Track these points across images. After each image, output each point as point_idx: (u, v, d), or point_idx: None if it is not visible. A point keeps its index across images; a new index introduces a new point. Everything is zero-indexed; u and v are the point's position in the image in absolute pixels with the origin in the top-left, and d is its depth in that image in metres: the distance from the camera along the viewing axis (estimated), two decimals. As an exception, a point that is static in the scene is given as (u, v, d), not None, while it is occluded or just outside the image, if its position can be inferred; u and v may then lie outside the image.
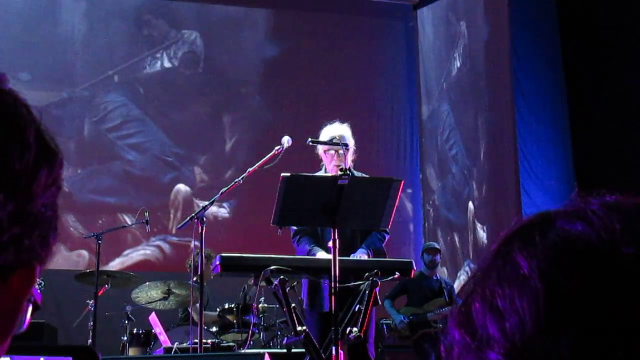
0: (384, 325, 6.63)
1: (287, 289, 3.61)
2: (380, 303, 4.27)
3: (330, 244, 3.62)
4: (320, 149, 4.33)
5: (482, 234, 8.03)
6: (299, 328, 3.61)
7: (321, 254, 4.05)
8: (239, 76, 9.05)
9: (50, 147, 0.60)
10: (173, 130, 8.70)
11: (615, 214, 0.60)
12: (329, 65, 9.17)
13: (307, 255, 4.11)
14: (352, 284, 3.69)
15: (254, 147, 8.26)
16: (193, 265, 5.10)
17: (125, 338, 5.80)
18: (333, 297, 3.49)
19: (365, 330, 3.75)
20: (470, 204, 8.31)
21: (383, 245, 4.30)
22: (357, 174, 4.15)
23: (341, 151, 4.06)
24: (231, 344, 5.36)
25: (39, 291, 0.64)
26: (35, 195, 0.57)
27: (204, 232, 4.33)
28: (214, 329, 5.72)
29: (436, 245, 7.14)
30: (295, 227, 4.24)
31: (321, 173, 4.31)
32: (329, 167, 4.26)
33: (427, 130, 9.33)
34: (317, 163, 4.46)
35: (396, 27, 9.68)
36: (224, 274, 3.68)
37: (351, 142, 4.25)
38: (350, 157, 4.09)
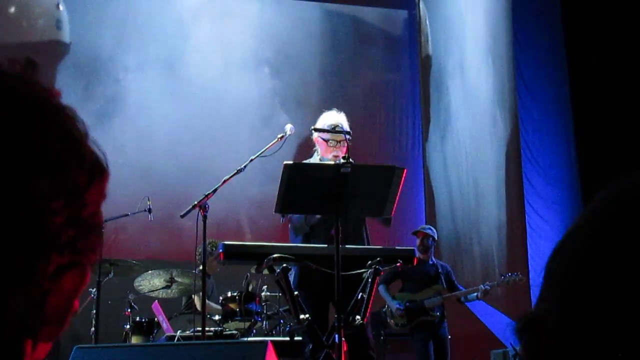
0: (386, 314, 6.51)
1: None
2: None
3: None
4: (317, 135, 4.30)
5: (484, 219, 8.02)
6: (301, 316, 3.61)
7: None
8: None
9: (100, 161, 0.66)
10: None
11: None
12: (331, 56, 9.14)
13: None
14: (354, 271, 3.69)
15: (252, 134, 8.28)
16: (199, 254, 5.10)
17: (128, 326, 5.80)
18: (336, 285, 3.49)
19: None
20: (471, 188, 8.31)
21: None
22: None
23: (342, 139, 4.06)
24: (234, 332, 5.37)
25: None
26: (88, 204, 0.63)
27: (206, 220, 4.33)
28: (217, 317, 5.73)
29: (426, 230, 6.47)
30: (296, 223, 4.20)
31: (314, 160, 4.28)
32: (326, 155, 4.22)
33: (429, 115, 9.34)
34: (304, 150, 4.48)
35: (399, 15, 9.66)
36: (226, 262, 3.69)
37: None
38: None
